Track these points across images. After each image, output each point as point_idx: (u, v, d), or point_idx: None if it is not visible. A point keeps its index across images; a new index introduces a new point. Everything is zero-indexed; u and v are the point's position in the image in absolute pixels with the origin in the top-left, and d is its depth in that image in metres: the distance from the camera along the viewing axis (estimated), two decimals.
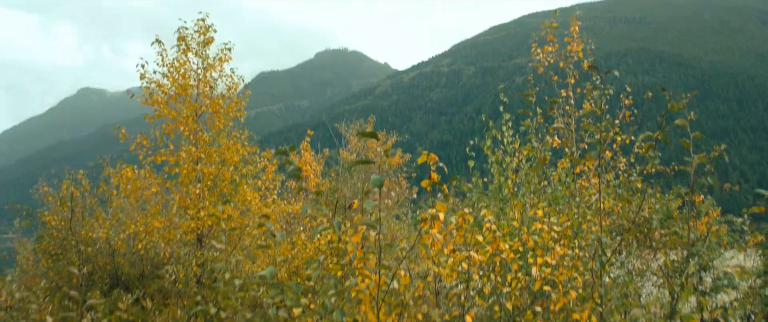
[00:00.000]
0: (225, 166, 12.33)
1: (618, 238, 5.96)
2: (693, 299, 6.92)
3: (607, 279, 6.77)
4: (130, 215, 12.67)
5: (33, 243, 13.01)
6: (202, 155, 12.08)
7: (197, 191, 11.82)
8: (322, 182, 15.73)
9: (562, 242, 5.45)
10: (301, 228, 12.35)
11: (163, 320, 7.27)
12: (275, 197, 12.34)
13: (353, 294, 4.52)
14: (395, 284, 5.07)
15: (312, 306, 5.46)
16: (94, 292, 11.34)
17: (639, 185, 10.24)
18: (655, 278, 9.74)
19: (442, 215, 5.23)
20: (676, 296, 6.48)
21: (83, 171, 12.83)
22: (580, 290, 5.19)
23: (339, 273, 6.10)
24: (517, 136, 8.08)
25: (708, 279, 9.82)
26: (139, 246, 11.44)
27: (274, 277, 4.01)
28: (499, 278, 5.08)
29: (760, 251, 10.54)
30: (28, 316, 6.02)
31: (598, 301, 4.84)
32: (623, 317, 5.92)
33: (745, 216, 6.12)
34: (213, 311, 4.36)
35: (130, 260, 12.76)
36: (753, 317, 10.09)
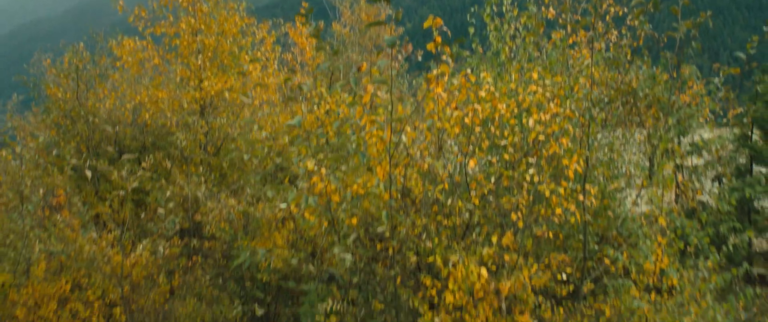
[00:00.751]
0: (224, 37, 12.47)
1: (606, 99, 6.46)
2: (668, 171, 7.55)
3: (595, 142, 7.36)
4: (133, 87, 12.96)
5: (40, 115, 13.32)
6: (202, 26, 12.19)
7: (198, 63, 12.06)
8: (317, 55, 15.88)
9: (554, 102, 5.94)
10: (301, 98, 12.71)
11: (182, 175, 7.87)
12: (275, 67, 12.62)
13: (370, 140, 5.03)
14: (403, 138, 5.60)
15: (326, 162, 6.02)
16: (103, 160, 11.91)
17: (629, 56, 10.63)
18: (636, 148, 10.42)
19: (446, 76, 5.67)
20: (654, 151, 7.10)
21: (82, 43, 12.90)
22: (569, 144, 5.76)
23: (347, 131, 6.61)
24: (514, 4, 8.33)
25: (685, 143, 10.53)
26: (146, 116, 11.85)
27: (301, 125, 4.48)
28: (497, 132, 5.61)
29: (736, 121, 11.23)
30: (64, 171, 6.56)
31: (586, 150, 5.42)
32: (607, 168, 6.57)
33: (720, 74, 6.59)
34: (245, 157, 4.88)
35: (132, 134, 13.20)
36: (724, 177, 10.96)
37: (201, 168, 10.15)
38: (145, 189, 10.35)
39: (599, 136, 9.64)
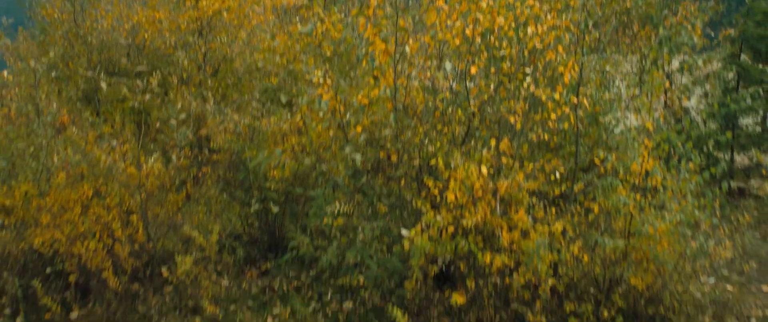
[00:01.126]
0: None
1: (600, 13, 6.68)
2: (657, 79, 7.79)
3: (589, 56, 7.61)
4: (130, 8, 12.93)
5: (38, 37, 13.26)
6: None
7: None
8: None
9: (551, 14, 6.18)
10: (297, 18, 12.75)
11: (186, 91, 8.11)
12: None
13: (378, 49, 5.28)
14: (407, 49, 5.86)
15: (330, 74, 6.28)
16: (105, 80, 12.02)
17: None
18: (628, 68, 10.68)
19: None
20: (645, 60, 7.38)
21: None
22: (564, 55, 6.05)
23: (350, 41, 6.83)
24: None
25: (675, 64, 10.81)
26: (145, 36, 11.92)
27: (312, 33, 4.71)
28: (497, 43, 5.87)
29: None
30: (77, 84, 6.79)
31: (582, 55, 5.71)
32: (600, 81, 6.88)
33: None
34: (260, 64, 5.14)
35: (128, 57, 13.24)
36: (710, 96, 11.31)
37: (208, 82, 10.37)
38: (147, 109, 10.58)
39: (593, 57, 9.92)
